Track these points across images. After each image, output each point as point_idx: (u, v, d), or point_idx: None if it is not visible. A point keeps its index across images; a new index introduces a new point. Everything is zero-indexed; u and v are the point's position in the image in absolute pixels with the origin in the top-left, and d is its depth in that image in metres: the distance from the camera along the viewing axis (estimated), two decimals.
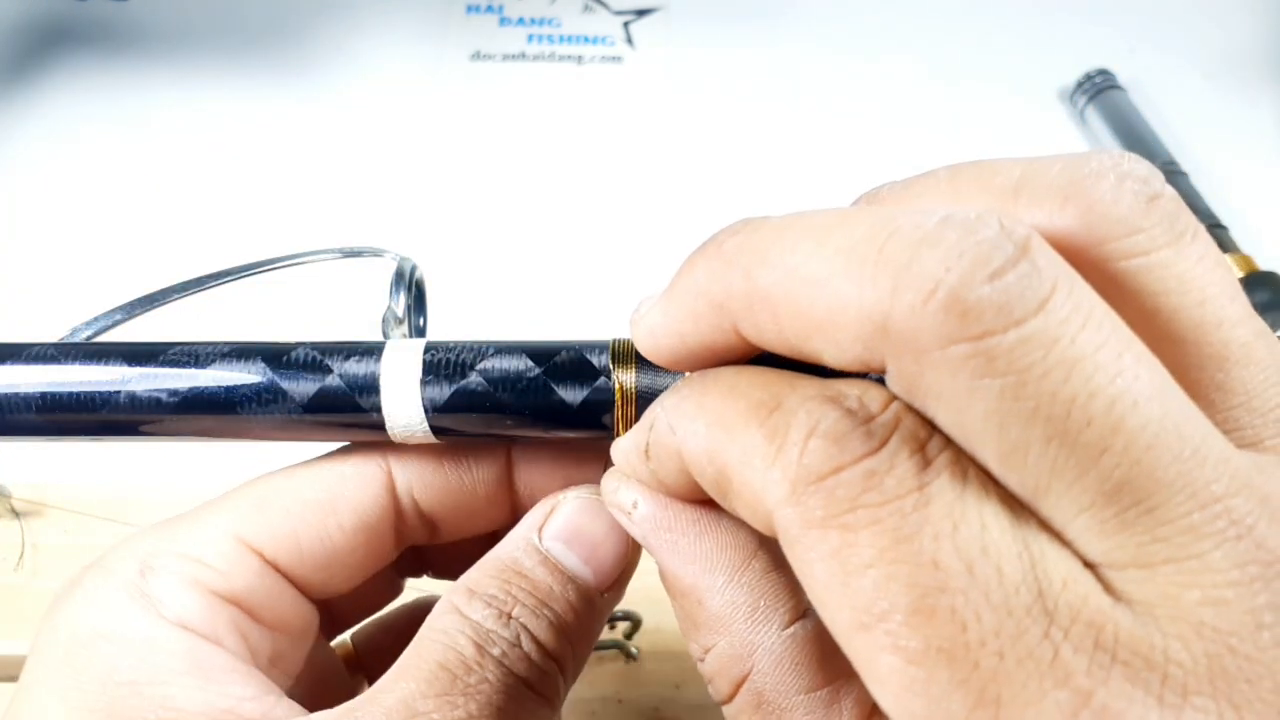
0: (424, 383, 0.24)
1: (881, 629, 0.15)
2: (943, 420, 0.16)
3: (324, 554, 0.26)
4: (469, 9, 0.73)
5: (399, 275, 0.30)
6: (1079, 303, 0.15)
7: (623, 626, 0.41)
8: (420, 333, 0.31)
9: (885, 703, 0.15)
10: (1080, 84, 0.67)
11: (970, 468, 0.16)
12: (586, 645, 0.25)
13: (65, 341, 0.26)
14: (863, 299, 0.16)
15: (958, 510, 0.15)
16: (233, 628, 0.24)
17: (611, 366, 0.24)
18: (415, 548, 0.29)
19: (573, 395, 0.24)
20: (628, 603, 0.42)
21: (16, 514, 0.45)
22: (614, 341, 0.24)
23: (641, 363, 0.23)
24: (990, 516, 0.15)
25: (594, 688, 0.40)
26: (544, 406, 0.24)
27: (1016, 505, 0.16)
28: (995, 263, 0.15)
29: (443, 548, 0.30)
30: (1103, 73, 0.66)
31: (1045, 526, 0.16)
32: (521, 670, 0.23)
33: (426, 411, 0.24)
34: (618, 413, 0.24)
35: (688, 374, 0.22)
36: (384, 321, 0.30)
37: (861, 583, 0.15)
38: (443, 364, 0.24)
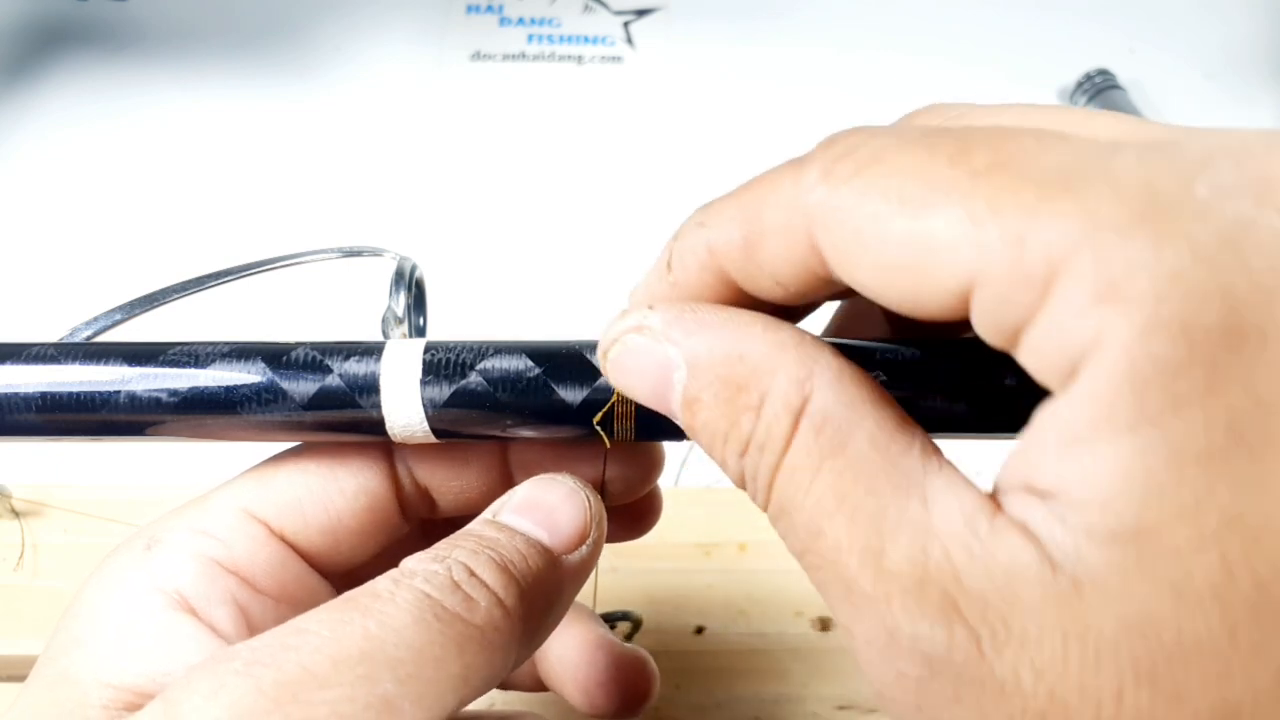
0: (424, 383, 0.24)
1: None
2: None
3: (328, 520, 0.26)
4: (469, 9, 0.73)
5: (399, 275, 0.30)
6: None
7: (623, 627, 0.41)
8: (420, 332, 0.32)
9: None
10: (1080, 84, 0.67)
11: None
12: (545, 601, 0.23)
13: (65, 341, 0.26)
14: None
15: None
16: (229, 597, 0.24)
17: None
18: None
19: (573, 395, 0.24)
20: (627, 603, 0.42)
21: (16, 514, 0.45)
22: None
23: None
24: None
25: None
26: (544, 406, 0.24)
27: None
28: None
29: None
30: (1103, 73, 0.66)
31: None
32: (445, 596, 0.21)
33: (426, 411, 0.24)
34: (617, 410, 0.24)
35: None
36: (384, 321, 0.30)
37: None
38: (443, 364, 0.24)
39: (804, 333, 0.21)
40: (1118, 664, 0.15)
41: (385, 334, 0.30)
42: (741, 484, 0.21)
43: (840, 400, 0.19)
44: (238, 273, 0.32)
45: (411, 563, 0.22)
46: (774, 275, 0.20)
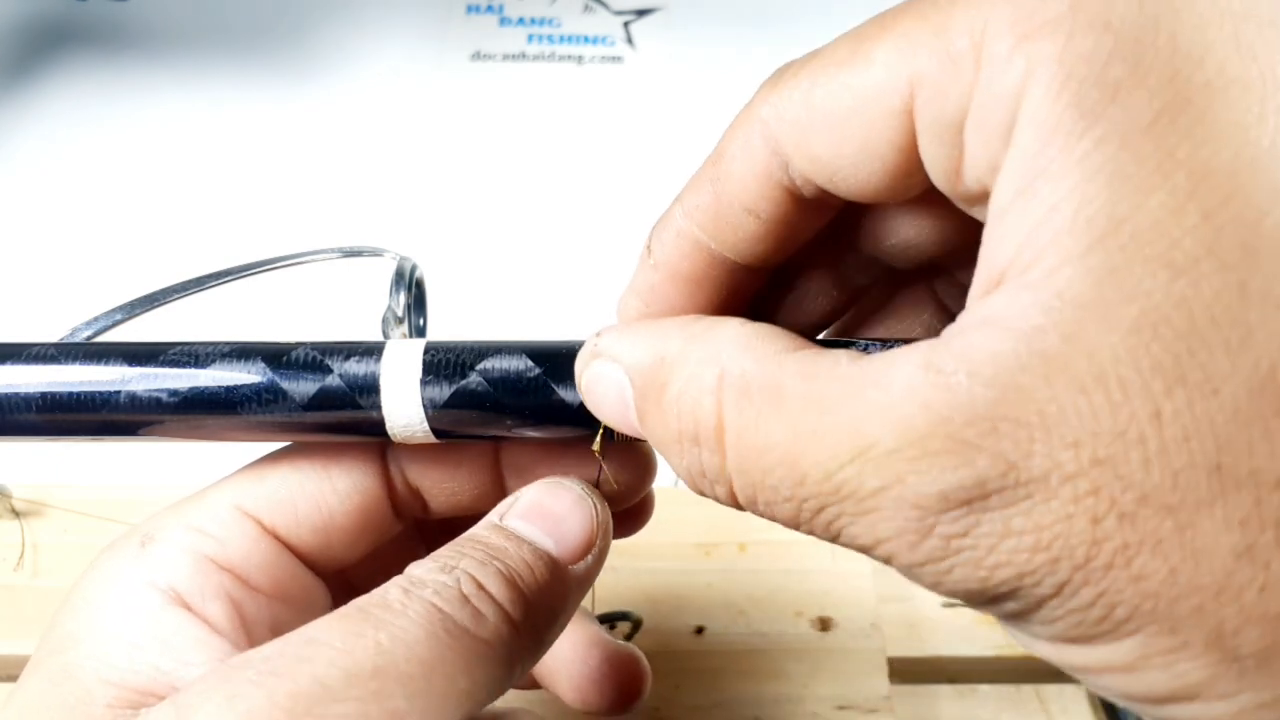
0: (424, 383, 0.24)
1: None
2: None
3: (321, 519, 0.26)
4: (469, 9, 0.73)
5: (399, 275, 0.30)
6: None
7: (623, 627, 0.41)
8: (420, 332, 0.32)
9: None
10: None
11: None
12: (551, 612, 0.24)
13: (65, 341, 0.26)
14: None
15: None
16: (222, 593, 0.25)
17: None
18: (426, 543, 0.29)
19: (573, 396, 0.24)
20: (627, 603, 0.42)
21: (16, 514, 0.45)
22: None
23: None
24: None
25: None
26: (544, 407, 0.24)
27: None
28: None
29: None
30: None
31: None
32: (454, 610, 0.21)
33: (426, 411, 0.24)
34: None
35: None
36: (384, 321, 0.30)
37: None
38: (443, 364, 0.24)
39: (717, 318, 0.21)
40: (1141, 382, 0.15)
41: (385, 334, 0.30)
42: (714, 492, 0.21)
43: (756, 357, 0.19)
44: (238, 273, 0.32)
45: (420, 571, 0.22)
46: (743, 204, 0.21)
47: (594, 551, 0.25)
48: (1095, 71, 0.15)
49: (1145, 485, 0.15)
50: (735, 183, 0.21)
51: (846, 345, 0.21)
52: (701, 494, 0.21)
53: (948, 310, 0.25)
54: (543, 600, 0.23)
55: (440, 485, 0.28)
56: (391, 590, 0.22)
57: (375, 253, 0.32)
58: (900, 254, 0.23)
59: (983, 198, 0.18)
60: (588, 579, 0.25)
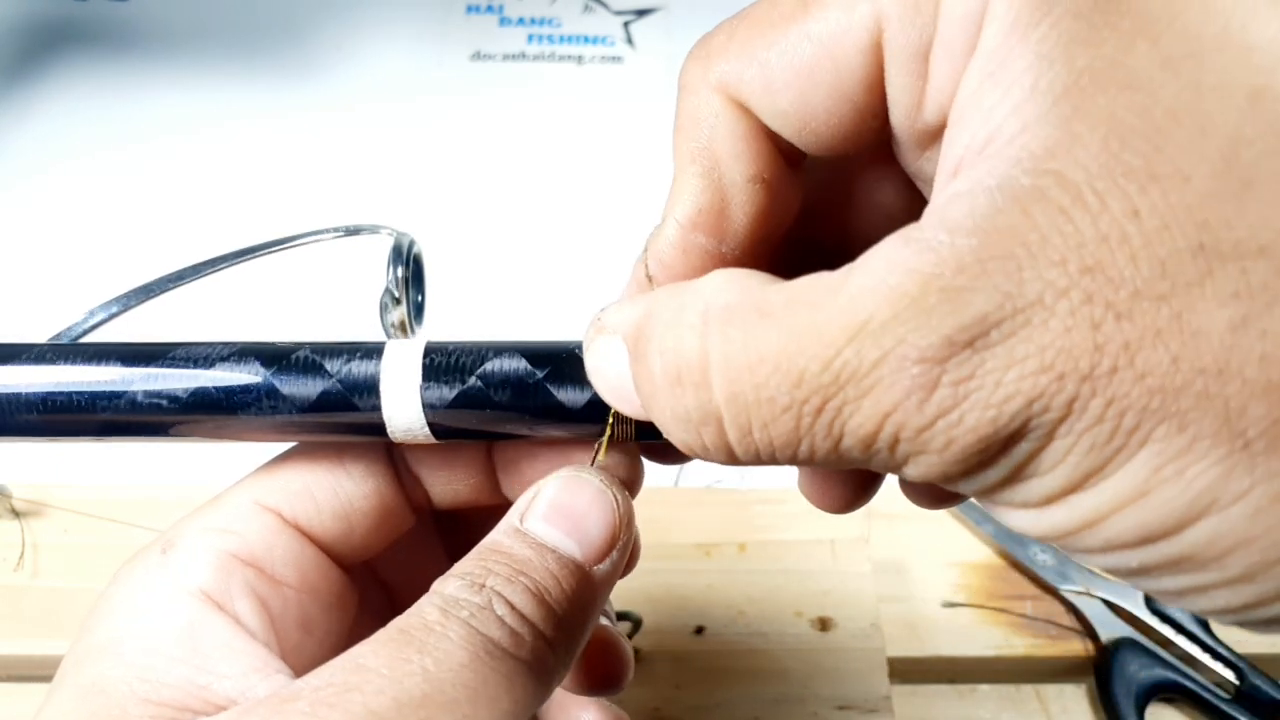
0: (424, 385, 0.24)
1: None
2: None
3: (339, 505, 0.27)
4: (469, 9, 0.73)
5: (396, 250, 0.30)
6: None
7: (623, 627, 0.41)
8: (419, 308, 0.31)
9: None
10: None
11: None
12: (581, 619, 0.24)
13: (68, 342, 0.26)
14: None
15: None
16: (248, 590, 0.25)
17: None
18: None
19: (572, 397, 0.24)
20: (627, 603, 0.42)
21: (16, 514, 0.45)
22: None
23: None
24: None
25: None
26: (544, 408, 0.24)
27: None
28: None
29: None
30: None
31: None
32: (492, 631, 0.21)
33: (426, 414, 0.24)
34: (614, 413, 0.24)
35: None
36: (382, 302, 0.30)
37: None
38: (443, 366, 0.24)
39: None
40: (1116, 187, 0.16)
41: (384, 314, 0.30)
42: (705, 439, 0.20)
43: (740, 289, 0.19)
44: (237, 258, 0.32)
45: (452, 589, 0.22)
46: (745, 175, 0.22)
47: (618, 547, 0.25)
48: None
49: (1135, 280, 0.15)
50: (730, 158, 0.21)
51: None
52: (693, 452, 0.21)
53: None
54: (573, 611, 0.23)
55: (437, 476, 0.28)
56: (429, 611, 0.22)
57: (373, 230, 0.32)
58: (874, 224, 0.24)
59: (938, 133, 0.19)
60: (613, 575, 0.25)
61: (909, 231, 0.17)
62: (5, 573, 0.43)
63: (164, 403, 0.24)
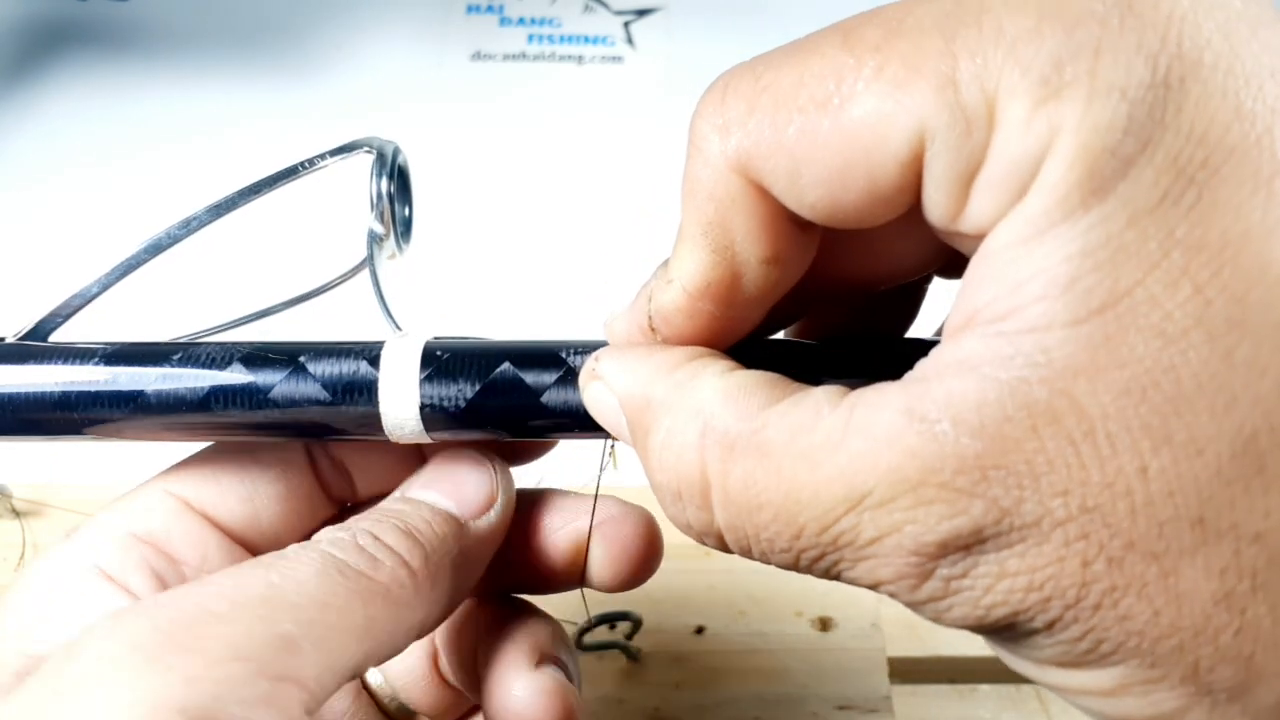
0: (422, 384, 0.24)
1: None
2: None
3: (244, 489, 0.27)
4: (469, 9, 0.73)
5: (379, 159, 0.29)
6: None
7: (623, 626, 0.41)
8: (406, 224, 0.30)
9: None
10: None
11: None
12: (454, 563, 0.24)
13: (71, 344, 0.26)
14: None
15: None
16: (144, 565, 0.25)
17: None
18: None
19: (562, 401, 0.24)
20: (628, 603, 0.42)
21: (17, 514, 0.45)
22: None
23: None
24: None
25: (594, 688, 0.40)
26: (538, 410, 0.24)
27: None
28: None
29: None
30: None
31: None
32: (348, 556, 0.22)
33: (422, 413, 0.24)
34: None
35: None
36: (370, 235, 0.29)
37: None
38: (441, 366, 0.24)
39: (700, 362, 0.21)
40: (1129, 439, 0.16)
41: (371, 241, 0.28)
42: (703, 542, 0.21)
43: (738, 413, 0.19)
44: (229, 206, 0.31)
45: (320, 533, 0.24)
46: (759, 257, 0.20)
47: (496, 506, 0.26)
48: (1110, 144, 0.16)
49: (1132, 533, 0.16)
50: (745, 240, 0.20)
51: (827, 375, 0.22)
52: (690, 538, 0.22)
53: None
54: (444, 551, 0.24)
55: (365, 468, 0.29)
56: (290, 546, 0.23)
57: (356, 145, 0.31)
58: (884, 274, 0.23)
59: (975, 239, 0.18)
60: (494, 533, 0.26)
61: (913, 401, 0.17)
62: (5, 573, 0.43)
63: (156, 402, 0.24)
